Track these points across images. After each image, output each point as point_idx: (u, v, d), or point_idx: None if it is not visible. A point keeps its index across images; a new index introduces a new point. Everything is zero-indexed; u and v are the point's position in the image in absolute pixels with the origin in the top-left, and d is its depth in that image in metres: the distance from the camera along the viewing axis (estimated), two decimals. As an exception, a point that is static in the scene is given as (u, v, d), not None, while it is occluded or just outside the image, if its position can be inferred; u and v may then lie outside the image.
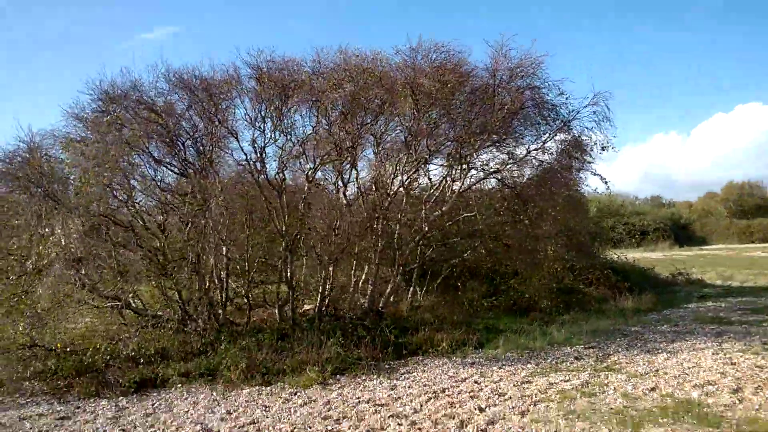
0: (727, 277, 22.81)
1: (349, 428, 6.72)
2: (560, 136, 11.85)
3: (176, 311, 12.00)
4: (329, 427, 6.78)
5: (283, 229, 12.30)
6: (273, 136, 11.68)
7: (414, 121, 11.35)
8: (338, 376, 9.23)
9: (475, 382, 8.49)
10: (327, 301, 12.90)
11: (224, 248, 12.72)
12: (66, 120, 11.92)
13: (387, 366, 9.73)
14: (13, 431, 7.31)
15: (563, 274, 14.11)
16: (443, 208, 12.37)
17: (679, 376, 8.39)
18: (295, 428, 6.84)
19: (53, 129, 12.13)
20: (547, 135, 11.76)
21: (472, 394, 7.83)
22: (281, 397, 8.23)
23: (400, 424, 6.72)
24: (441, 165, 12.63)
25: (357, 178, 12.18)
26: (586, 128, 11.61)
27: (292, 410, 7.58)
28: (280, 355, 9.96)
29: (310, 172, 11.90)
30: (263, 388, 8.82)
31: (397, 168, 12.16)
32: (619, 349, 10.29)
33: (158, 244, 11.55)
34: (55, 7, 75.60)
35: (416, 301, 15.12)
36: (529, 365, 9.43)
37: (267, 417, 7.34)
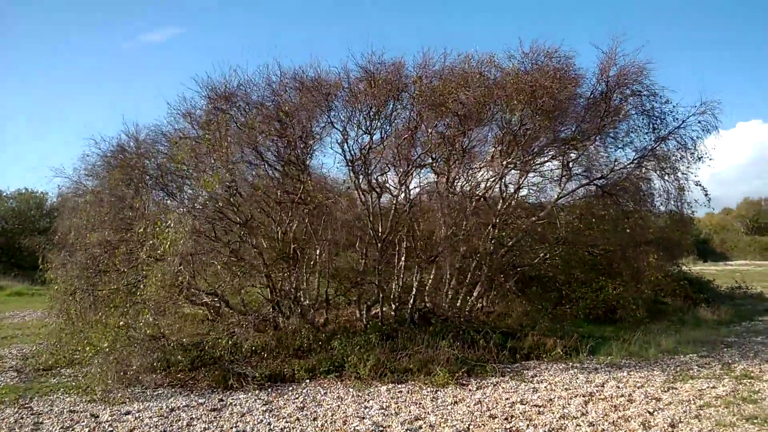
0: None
1: (528, 427, 6.71)
2: (663, 146, 11.82)
3: (269, 310, 12.05)
4: (507, 426, 6.77)
5: (379, 231, 12.32)
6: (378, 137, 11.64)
7: (521, 125, 11.35)
8: (466, 376, 9.21)
9: (617, 386, 8.48)
10: (416, 303, 12.91)
11: (318, 249, 12.83)
12: (172, 117, 12.05)
13: (509, 369, 9.72)
14: (171, 421, 7.29)
15: (665, 283, 14.05)
16: (540, 214, 12.37)
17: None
18: (471, 425, 6.83)
19: (158, 125, 12.27)
20: (654, 143, 11.74)
21: (628, 398, 7.84)
22: (425, 395, 8.23)
23: (578, 426, 6.72)
24: (539, 171, 12.60)
25: (459, 182, 12.16)
26: (691, 138, 11.59)
27: (449, 408, 7.58)
28: (397, 355, 9.95)
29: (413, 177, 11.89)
30: (397, 385, 8.83)
31: (497, 172, 12.15)
32: (736, 359, 10.28)
33: (264, 244, 11.59)
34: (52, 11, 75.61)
35: (485, 306, 15.11)
36: (655, 372, 9.43)
37: (429, 414, 7.35)
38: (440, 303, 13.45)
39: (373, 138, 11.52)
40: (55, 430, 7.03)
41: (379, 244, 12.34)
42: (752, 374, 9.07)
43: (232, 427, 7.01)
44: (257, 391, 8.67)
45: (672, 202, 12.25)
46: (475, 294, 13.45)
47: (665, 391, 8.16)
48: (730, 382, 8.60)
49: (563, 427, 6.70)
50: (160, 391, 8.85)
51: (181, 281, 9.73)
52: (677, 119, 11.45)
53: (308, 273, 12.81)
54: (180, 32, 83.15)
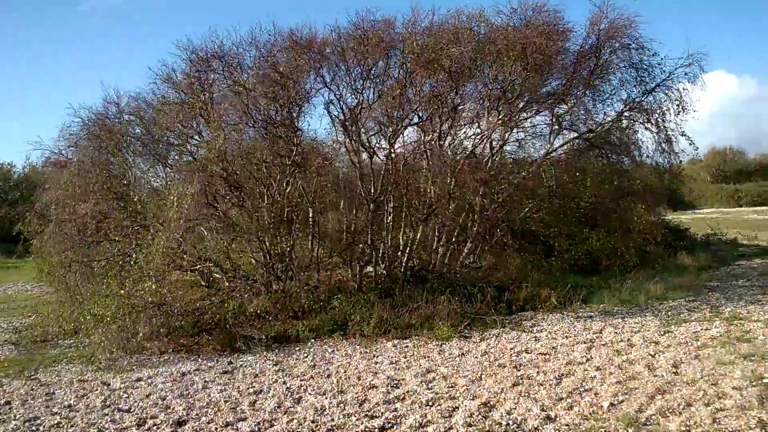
0: (751, 237, 23.49)
1: (538, 374, 6.96)
2: (651, 98, 11.99)
3: (261, 274, 12.05)
4: (517, 374, 7.00)
5: (371, 192, 12.33)
6: (368, 96, 11.54)
7: (510, 81, 11.35)
8: (468, 329, 9.44)
9: (615, 332, 8.80)
10: (409, 261, 13.04)
11: (311, 211, 12.80)
12: (153, 83, 11.76)
13: (507, 320, 9.98)
14: (185, 385, 7.36)
15: (652, 232, 14.36)
16: (530, 169, 12.51)
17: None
18: (482, 375, 7.05)
19: (138, 92, 11.96)
20: (642, 96, 11.89)
21: (628, 343, 8.15)
22: (431, 348, 8.44)
23: (586, 371, 6.99)
24: (525, 127, 12.68)
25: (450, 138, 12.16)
26: (677, 89, 11.75)
27: (457, 360, 7.79)
28: (399, 311, 10.11)
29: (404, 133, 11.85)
30: (402, 341, 9.02)
31: (485, 129, 12.18)
32: (722, 302, 10.70)
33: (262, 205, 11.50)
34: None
35: (474, 261, 15.33)
36: (648, 317, 9.78)
37: (439, 366, 7.55)
38: (431, 260, 13.61)
39: (364, 97, 11.40)
40: (70, 399, 7.04)
41: (371, 205, 12.38)
42: (741, 316, 9.47)
43: (248, 388, 7.10)
44: (265, 353, 8.78)
45: (659, 154, 12.47)
46: (465, 250, 13.63)
47: (662, 335, 8.50)
48: (722, 324, 8.99)
49: (571, 372, 6.96)
50: (165, 357, 8.89)
51: (183, 248, 9.67)
52: (665, 71, 11.60)
53: (301, 235, 12.80)
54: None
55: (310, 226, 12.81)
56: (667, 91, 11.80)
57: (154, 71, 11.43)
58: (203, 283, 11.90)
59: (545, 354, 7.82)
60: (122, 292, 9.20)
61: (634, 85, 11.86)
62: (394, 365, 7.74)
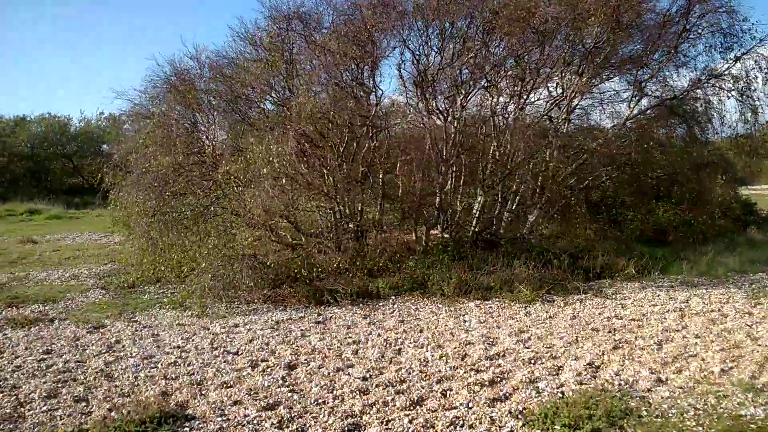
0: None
1: (636, 339, 6.99)
2: (738, 64, 11.58)
3: (333, 232, 12.18)
4: (615, 338, 7.04)
5: (443, 154, 12.29)
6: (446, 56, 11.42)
7: (596, 42, 11.06)
8: (549, 294, 9.48)
9: (703, 302, 8.75)
10: (478, 224, 13.03)
11: (381, 171, 12.85)
12: (232, 39, 11.85)
13: (587, 287, 9.95)
14: (283, 332, 7.60)
15: (730, 205, 14.05)
16: (607, 135, 12.30)
17: None
18: (578, 337, 7.11)
19: (217, 49, 12.06)
20: (729, 63, 11.51)
21: (720, 313, 8.11)
22: (516, 310, 8.53)
23: (685, 338, 7.00)
24: (606, 92, 12.41)
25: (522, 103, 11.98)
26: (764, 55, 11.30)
27: (547, 322, 7.87)
28: (476, 274, 10.17)
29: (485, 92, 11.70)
30: (484, 302, 9.14)
31: (565, 92, 11.95)
32: (807, 277, 10.48)
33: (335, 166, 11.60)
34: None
35: (538, 228, 15.23)
36: (732, 289, 9.67)
37: (530, 327, 7.64)
38: (496, 225, 13.59)
39: (442, 57, 11.30)
40: (177, 340, 7.37)
41: (443, 167, 12.37)
42: (833, 291, 9.28)
43: (345, 338, 7.32)
44: (351, 306, 9.02)
45: (741, 124, 12.10)
46: (532, 218, 13.56)
47: (753, 307, 8.40)
48: (815, 299, 8.83)
49: (670, 339, 6.96)
50: (254, 306, 9.20)
51: (285, 201, 9.85)
52: (755, 37, 11.16)
53: (371, 194, 12.89)
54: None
55: (380, 187, 12.90)
56: (756, 59, 11.35)
57: (233, 29, 11.48)
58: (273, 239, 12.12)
59: (637, 320, 7.83)
60: (216, 242, 9.49)
61: (721, 51, 11.45)
62: (483, 324, 7.85)
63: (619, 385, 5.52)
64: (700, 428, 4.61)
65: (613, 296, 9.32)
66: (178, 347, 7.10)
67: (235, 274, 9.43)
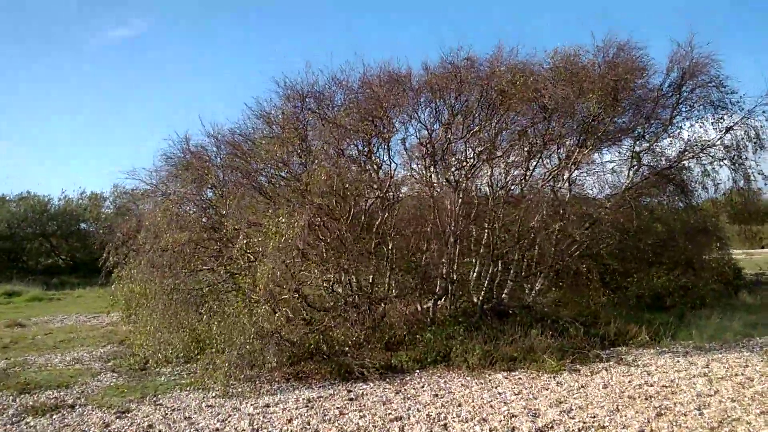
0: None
1: (675, 405, 7.13)
2: (728, 135, 12.35)
3: (341, 305, 12.24)
4: (654, 404, 7.17)
5: (452, 226, 12.61)
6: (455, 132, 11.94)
7: (594, 117, 11.72)
8: (571, 363, 9.61)
9: (725, 367, 8.97)
10: (487, 295, 13.22)
11: (391, 244, 13.08)
12: (247, 118, 12.27)
13: (606, 355, 10.12)
14: (320, 411, 7.54)
15: (727, 270, 14.54)
16: (608, 205, 12.81)
17: None
18: (618, 406, 7.21)
19: (232, 127, 12.45)
20: (720, 133, 12.28)
21: (745, 377, 8.34)
22: (545, 381, 8.62)
23: (721, 402, 7.18)
24: (604, 162, 13.04)
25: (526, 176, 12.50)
26: (754, 127, 12.12)
27: (581, 391, 7.97)
28: (498, 344, 10.27)
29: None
30: (510, 373, 9.22)
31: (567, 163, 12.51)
32: (813, 340, 10.83)
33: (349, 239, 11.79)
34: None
35: (529, 298, 15.48)
36: (745, 353, 9.95)
37: (567, 397, 7.72)
38: (504, 295, 13.80)
39: (452, 133, 11.82)
40: (214, 423, 7.24)
41: (452, 239, 12.66)
42: (843, 352, 9.61)
43: (386, 414, 7.28)
44: (378, 381, 8.97)
45: (735, 192, 12.75)
46: (538, 286, 13.84)
47: (776, 370, 8.65)
48: (829, 360, 9.13)
49: (707, 404, 7.13)
50: (277, 385, 9.09)
51: (293, 274, 9.93)
52: (743, 109, 11.99)
53: (382, 268, 13.04)
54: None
55: (390, 260, 13.08)
56: (745, 129, 12.16)
57: (250, 107, 11.89)
58: (303, 313, 12.11)
59: (668, 387, 7.99)
60: (245, 319, 9.46)
61: (712, 123, 12.23)
62: (519, 396, 7.91)
63: (678, 453, 5.61)
64: (771, 493, 4.70)
65: (635, 363, 9.48)
66: (217, 430, 6.97)
67: (261, 352, 9.35)
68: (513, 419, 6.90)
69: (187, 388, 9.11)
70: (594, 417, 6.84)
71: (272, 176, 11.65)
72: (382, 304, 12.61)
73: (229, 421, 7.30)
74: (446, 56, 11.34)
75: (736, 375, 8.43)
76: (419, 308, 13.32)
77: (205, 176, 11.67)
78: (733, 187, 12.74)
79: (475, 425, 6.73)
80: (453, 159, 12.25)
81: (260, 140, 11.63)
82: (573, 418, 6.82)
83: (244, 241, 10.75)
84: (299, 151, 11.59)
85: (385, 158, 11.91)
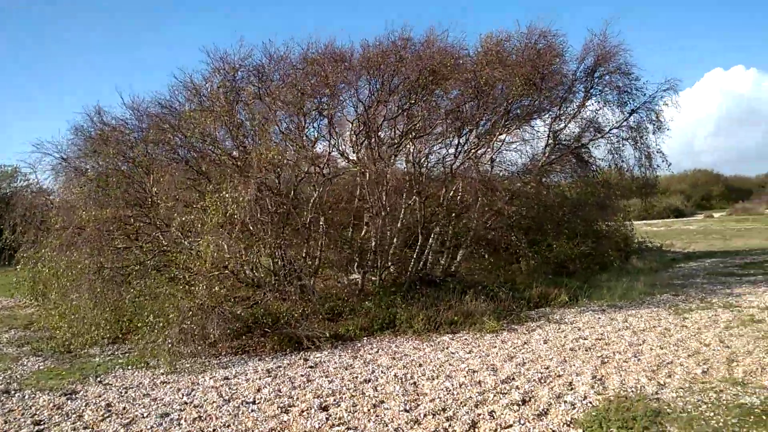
0: (667, 245, 26.33)
1: (614, 354, 7.92)
2: (633, 118, 13.62)
3: (271, 280, 12.24)
4: (596, 355, 7.93)
5: (383, 202, 12.89)
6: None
7: (516, 98, 12.45)
8: (507, 324, 10.29)
9: (642, 321, 10.04)
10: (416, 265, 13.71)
11: (322, 219, 13.15)
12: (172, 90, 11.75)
13: (534, 314, 10.93)
14: (285, 379, 7.59)
15: (620, 240, 15.93)
16: (525, 179, 13.68)
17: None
18: (564, 358, 7.90)
19: (156, 98, 11.88)
20: (626, 116, 13.49)
21: (663, 327, 9.38)
22: (490, 340, 9.20)
23: (652, 350, 8.07)
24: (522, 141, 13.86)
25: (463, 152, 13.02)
26: (654, 110, 13.44)
27: (525, 347, 8.60)
28: (437, 310, 10.74)
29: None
30: (455, 335, 9.71)
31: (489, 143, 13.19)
32: (703, 295, 12.32)
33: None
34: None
35: (452, 267, 16.30)
36: (653, 309, 11.17)
37: (516, 353, 8.32)
38: (432, 265, 14.37)
39: (387, 111, 12.05)
40: (178, 397, 7.06)
41: (382, 212, 12.95)
42: (733, 304, 11.05)
43: (355, 377, 7.47)
44: (332, 349, 9.11)
45: (637, 168, 14.10)
46: (459, 256, 14.53)
47: (683, 321, 9.82)
48: (724, 311, 10.48)
49: (640, 351, 8.00)
50: (226, 359, 8.96)
51: (237, 250, 9.75)
52: (645, 94, 13.25)
53: (314, 242, 13.09)
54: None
55: (322, 235, 13.15)
56: (647, 112, 13.45)
57: (178, 79, 11.38)
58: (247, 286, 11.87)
59: (601, 339, 8.83)
60: (181, 295, 9.17)
61: (617, 106, 13.41)
62: (472, 354, 8.40)
63: (633, 391, 6.31)
64: (720, 417, 5.48)
65: (563, 321, 10.34)
66: (186, 403, 6.82)
67: (203, 326, 9.14)
68: (475, 374, 7.34)
69: (129, 367, 8.74)
70: (547, 368, 7.45)
71: (203, 151, 11.25)
72: (312, 279, 12.69)
73: (194, 395, 7.14)
74: (386, 34, 11.50)
75: (654, 327, 9.46)
76: (346, 281, 13.57)
77: (128, 151, 11.05)
78: (635, 164, 14.05)
79: (444, 381, 7.09)
80: (386, 135, 12.47)
81: (189, 113, 11.14)
82: (529, 371, 7.38)
83: (181, 218, 10.37)
84: (230, 125, 11.29)
85: (324, 134, 11.84)
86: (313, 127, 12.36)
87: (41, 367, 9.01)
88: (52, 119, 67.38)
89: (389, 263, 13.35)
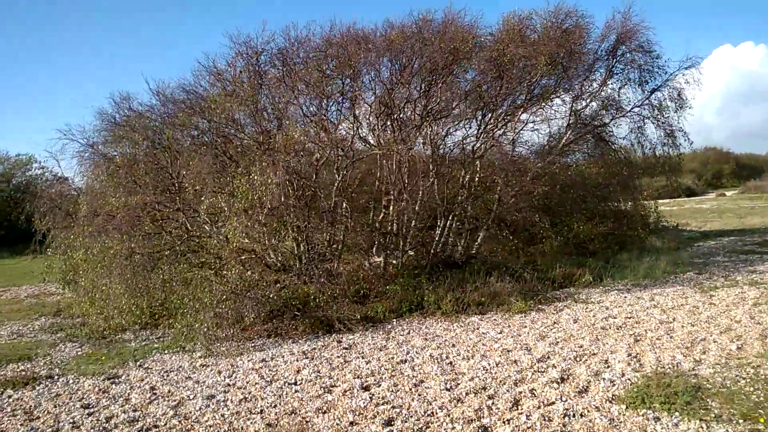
0: (683, 224, 26.28)
1: (647, 332, 8.01)
2: (654, 97, 13.56)
3: (294, 263, 12.35)
4: (629, 333, 8.02)
5: (405, 184, 12.94)
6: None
7: (539, 79, 12.42)
8: (535, 304, 10.38)
9: (668, 299, 10.11)
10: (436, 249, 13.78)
11: (345, 203, 13.23)
12: (198, 75, 11.81)
13: (559, 294, 11.03)
14: (321, 360, 7.73)
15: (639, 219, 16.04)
16: (548, 159, 13.68)
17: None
18: (597, 336, 8.00)
19: (181, 83, 11.94)
20: (649, 94, 13.44)
21: (691, 305, 9.45)
22: (519, 320, 9.30)
23: (683, 327, 8.16)
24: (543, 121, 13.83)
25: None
26: (676, 89, 13.37)
27: (556, 326, 8.70)
28: (465, 291, 10.84)
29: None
30: (484, 316, 9.84)
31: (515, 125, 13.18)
32: (726, 273, 12.38)
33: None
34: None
35: (472, 249, 16.37)
36: (678, 287, 11.23)
37: (547, 332, 8.42)
38: (454, 247, 14.42)
39: (410, 92, 12.04)
40: (220, 379, 7.23)
41: (405, 195, 13.00)
42: (758, 281, 11.10)
43: (391, 358, 7.61)
44: (364, 331, 9.25)
45: (660, 146, 14.06)
46: (479, 239, 14.58)
47: (710, 299, 9.88)
48: (750, 288, 10.54)
49: (672, 329, 8.08)
50: (260, 342, 9.12)
51: (265, 233, 9.87)
52: (666, 72, 13.18)
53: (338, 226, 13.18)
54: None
55: (345, 218, 13.24)
56: (668, 90, 13.38)
57: (201, 63, 11.44)
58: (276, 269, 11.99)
59: (630, 317, 8.92)
60: (214, 279, 9.33)
61: (639, 84, 13.34)
62: (503, 334, 8.52)
63: (670, 367, 6.41)
64: (760, 392, 5.56)
65: (590, 301, 10.42)
66: (230, 385, 6.99)
67: (237, 309, 9.30)
68: (510, 353, 7.46)
69: (166, 351, 8.92)
70: (581, 347, 7.56)
71: (228, 135, 11.34)
72: (335, 262, 12.81)
73: (236, 377, 7.30)
74: (408, 15, 11.50)
75: (683, 305, 9.54)
76: (368, 264, 13.66)
77: (155, 137, 11.16)
78: (656, 142, 14.01)
79: (480, 361, 7.21)
80: (407, 117, 12.47)
81: (214, 97, 11.21)
82: (563, 349, 7.49)
83: (208, 201, 10.50)
84: (254, 109, 11.35)
85: (348, 117, 11.88)
86: (336, 110, 12.36)
87: (79, 353, 9.22)
88: (72, 109, 67.68)
89: (410, 246, 13.43)
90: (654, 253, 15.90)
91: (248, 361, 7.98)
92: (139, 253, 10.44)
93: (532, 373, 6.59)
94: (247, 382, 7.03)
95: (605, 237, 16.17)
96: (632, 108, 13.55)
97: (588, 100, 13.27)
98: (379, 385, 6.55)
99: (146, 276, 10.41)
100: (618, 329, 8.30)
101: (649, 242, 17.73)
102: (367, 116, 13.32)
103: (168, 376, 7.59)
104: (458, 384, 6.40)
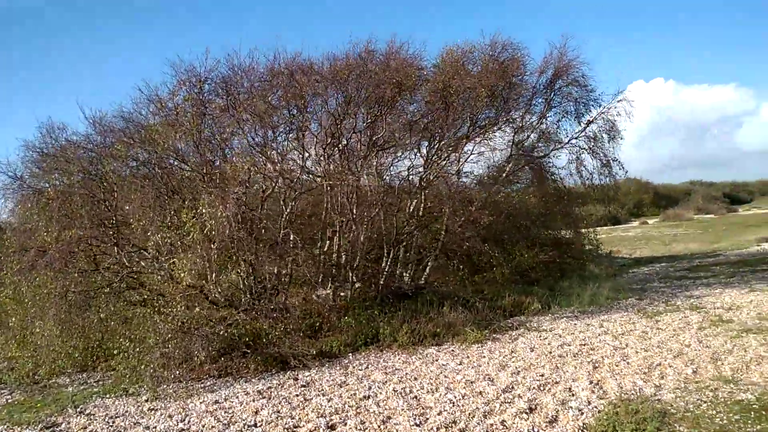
0: (615, 251, 27.36)
1: (603, 359, 8.14)
2: (589, 129, 14.13)
3: (241, 297, 11.99)
4: (586, 360, 8.12)
5: (354, 215, 12.85)
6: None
7: (481, 111, 12.72)
8: (489, 333, 10.41)
9: (617, 325, 10.36)
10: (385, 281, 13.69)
11: (292, 235, 12.97)
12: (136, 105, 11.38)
13: (512, 323, 11.12)
14: (281, 400, 7.41)
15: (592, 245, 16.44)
16: (492, 188, 13.95)
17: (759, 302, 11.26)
18: (556, 365, 8.06)
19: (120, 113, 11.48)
20: (583, 126, 13.98)
21: (641, 331, 9.72)
22: (476, 350, 9.28)
23: (637, 353, 8.36)
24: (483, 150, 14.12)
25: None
26: (611, 120, 14.00)
27: (514, 356, 8.72)
28: (418, 322, 10.74)
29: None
30: (440, 347, 9.75)
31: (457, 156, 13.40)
32: (666, 298, 12.86)
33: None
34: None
35: (421, 279, 16.39)
36: (623, 313, 11.56)
37: (507, 362, 8.43)
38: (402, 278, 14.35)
39: (356, 123, 12.05)
40: (173, 424, 6.78)
41: (353, 226, 12.89)
42: (697, 306, 11.57)
43: (353, 395, 7.36)
44: (320, 367, 8.96)
45: (597, 176, 14.60)
46: (428, 269, 14.61)
47: (656, 323, 10.20)
48: (692, 312, 10.96)
49: (627, 355, 8.26)
50: (210, 382, 8.67)
51: (211, 270, 9.49)
52: (600, 105, 13.81)
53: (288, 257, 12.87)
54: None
55: (294, 249, 12.95)
56: (601, 123, 13.99)
57: (142, 91, 11.01)
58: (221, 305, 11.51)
59: (584, 345, 9.07)
60: (158, 318, 8.85)
61: (575, 117, 13.92)
62: (463, 365, 8.45)
63: (632, 393, 6.50)
64: (722, 414, 5.71)
65: (542, 329, 10.55)
66: (184, 430, 6.57)
67: (185, 348, 8.83)
68: (473, 385, 7.39)
69: (108, 396, 8.30)
70: (542, 375, 7.58)
71: (170, 167, 10.92)
72: (284, 295, 12.47)
73: (189, 420, 6.86)
74: (351, 47, 11.55)
75: (632, 331, 9.79)
76: (315, 296, 13.38)
77: (92, 168, 10.58)
78: (593, 172, 14.54)
79: (445, 393, 7.10)
80: (354, 148, 12.44)
81: (156, 127, 10.78)
82: (525, 379, 7.49)
83: (157, 236, 10.00)
84: (198, 139, 10.99)
85: (295, 147, 11.71)
86: (282, 140, 12.19)
87: (10, 400, 8.47)
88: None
89: (357, 277, 13.27)
90: (593, 280, 16.37)
91: (200, 402, 7.53)
92: (75, 291, 9.78)
93: (500, 404, 6.52)
94: (203, 426, 6.61)
95: (547, 265, 16.55)
96: (570, 140, 14.07)
97: (528, 132, 13.68)
98: (346, 423, 6.30)
99: (82, 315, 9.75)
100: (575, 356, 8.40)
101: (588, 269, 18.29)
102: (314, 146, 13.20)
103: (114, 422, 7.05)
104: (427, 419, 6.24)
